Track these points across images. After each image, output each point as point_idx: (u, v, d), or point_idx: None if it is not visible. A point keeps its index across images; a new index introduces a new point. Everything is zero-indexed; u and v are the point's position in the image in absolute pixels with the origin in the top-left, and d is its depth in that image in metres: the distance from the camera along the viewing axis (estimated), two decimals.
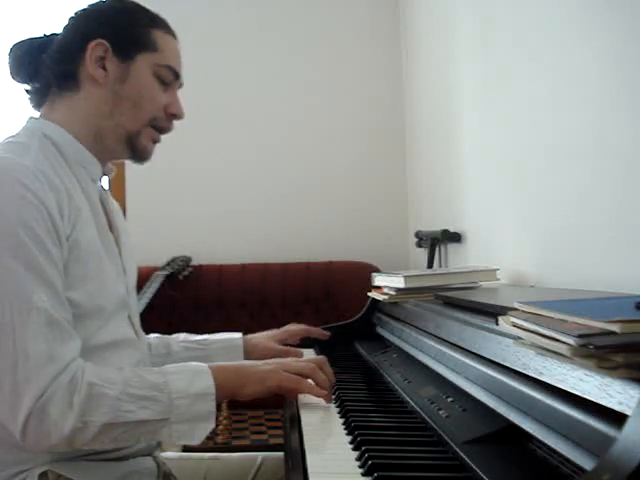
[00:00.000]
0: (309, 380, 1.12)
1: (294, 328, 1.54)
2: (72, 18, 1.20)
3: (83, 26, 1.18)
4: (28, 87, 1.21)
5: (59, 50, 1.17)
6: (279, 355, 1.36)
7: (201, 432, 1.02)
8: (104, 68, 1.16)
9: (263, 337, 1.47)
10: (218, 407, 1.04)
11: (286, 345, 1.49)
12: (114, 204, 1.29)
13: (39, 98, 1.20)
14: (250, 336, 1.47)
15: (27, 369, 0.95)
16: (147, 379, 1.02)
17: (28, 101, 1.22)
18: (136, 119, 1.19)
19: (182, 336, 1.45)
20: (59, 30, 1.21)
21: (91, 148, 1.18)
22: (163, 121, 1.22)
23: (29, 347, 0.96)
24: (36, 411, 0.95)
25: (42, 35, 1.21)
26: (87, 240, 1.08)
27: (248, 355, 1.42)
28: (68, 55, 1.17)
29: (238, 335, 1.45)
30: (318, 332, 1.57)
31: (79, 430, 0.96)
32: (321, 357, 1.20)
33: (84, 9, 1.21)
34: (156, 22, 1.21)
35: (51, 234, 1.01)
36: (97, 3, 1.22)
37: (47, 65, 1.18)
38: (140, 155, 1.22)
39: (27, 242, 0.98)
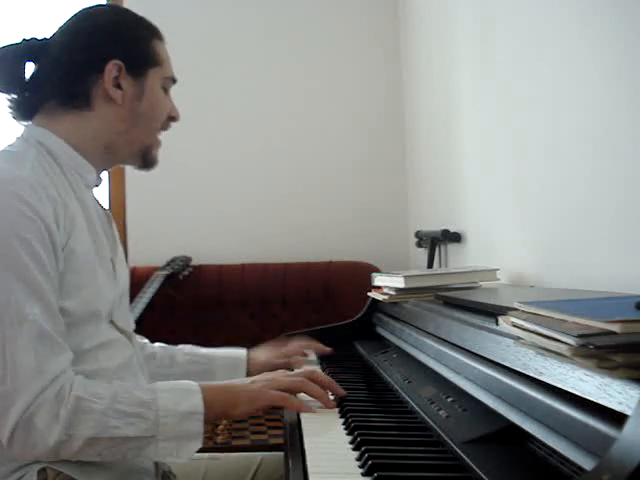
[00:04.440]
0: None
1: (299, 344, 1.54)
2: (74, 35, 1.17)
3: (94, 47, 1.16)
4: (14, 96, 1.18)
5: (66, 69, 1.15)
6: (281, 369, 1.35)
7: (187, 451, 1.02)
8: (119, 86, 1.17)
9: (265, 353, 1.47)
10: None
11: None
12: (106, 210, 1.28)
13: (30, 109, 1.17)
14: (253, 351, 1.47)
15: (15, 381, 0.96)
16: (136, 395, 1.02)
17: (12, 110, 1.18)
18: (151, 131, 1.23)
19: (187, 348, 1.45)
20: (35, 34, 1.18)
21: (98, 158, 1.19)
22: (166, 125, 1.26)
23: (18, 359, 0.97)
24: (23, 422, 0.96)
25: (21, 41, 1.17)
26: (82, 248, 1.08)
27: (250, 370, 1.42)
28: (79, 75, 1.15)
29: (243, 352, 1.46)
30: (320, 348, 1.57)
31: (64, 442, 0.97)
32: (312, 368, 1.23)
33: (83, 24, 1.19)
34: (152, 32, 1.23)
35: (47, 246, 1.01)
36: (94, 17, 1.20)
37: (48, 80, 1.16)
38: (151, 164, 1.26)
39: (22, 255, 0.99)
